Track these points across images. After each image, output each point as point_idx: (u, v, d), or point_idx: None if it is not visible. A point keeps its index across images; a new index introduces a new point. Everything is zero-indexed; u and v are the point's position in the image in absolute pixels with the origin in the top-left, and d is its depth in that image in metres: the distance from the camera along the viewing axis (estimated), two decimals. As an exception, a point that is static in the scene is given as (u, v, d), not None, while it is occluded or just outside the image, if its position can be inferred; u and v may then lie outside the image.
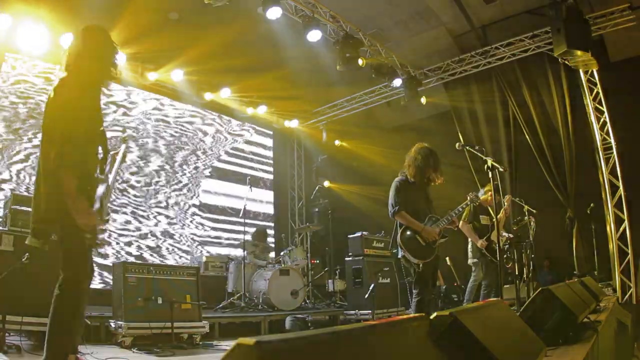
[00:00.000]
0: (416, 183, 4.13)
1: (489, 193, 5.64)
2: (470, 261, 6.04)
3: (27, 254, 3.66)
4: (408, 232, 4.02)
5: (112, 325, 4.54)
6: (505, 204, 5.98)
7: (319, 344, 0.88)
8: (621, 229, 6.78)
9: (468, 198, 4.45)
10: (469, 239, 5.92)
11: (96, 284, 7.10)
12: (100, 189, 2.72)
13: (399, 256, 4.07)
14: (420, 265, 3.96)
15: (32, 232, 2.66)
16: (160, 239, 8.19)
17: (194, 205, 8.92)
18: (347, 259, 7.49)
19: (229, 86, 9.07)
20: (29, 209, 4.10)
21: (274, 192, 10.71)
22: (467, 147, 4.33)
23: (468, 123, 8.95)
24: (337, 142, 10.93)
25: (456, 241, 5.24)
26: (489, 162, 3.97)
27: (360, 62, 7.61)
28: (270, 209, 10.50)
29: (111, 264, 5.70)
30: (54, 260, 4.01)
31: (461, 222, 5.68)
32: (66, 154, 2.47)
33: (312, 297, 7.86)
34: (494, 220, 4.15)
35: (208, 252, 8.75)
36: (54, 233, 2.67)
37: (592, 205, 7.06)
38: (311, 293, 7.90)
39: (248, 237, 7.71)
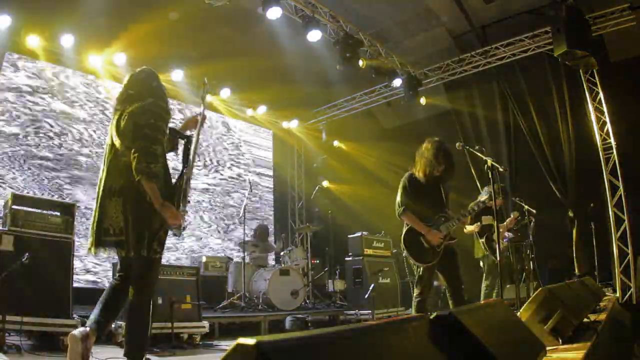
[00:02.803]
0: (426, 180, 3.89)
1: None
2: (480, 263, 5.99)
3: (27, 254, 3.66)
4: (412, 233, 3.89)
5: (112, 325, 4.54)
6: (512, 216, 5.97)
7: (319, 344, 0.88)
8: (621, 229, 6.77)
9: (486, 193, 4.33)
10: (474, 239, 5.90)
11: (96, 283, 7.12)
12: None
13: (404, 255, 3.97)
14: (421, 269, 3.87)
15: None
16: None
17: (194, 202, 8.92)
18: (347, 259, 7.49)
19: (229, 86, 9.07)
20: (29, 209, 4.15)
21: (274, 191, 10.71)
22: (467, 147, 4.28)
23: (468, 123, 8.94)
24: (335, 143, 10.92)
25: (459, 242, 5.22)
26: (489, 162, 3.94)
27: (360, 63, 7.61)
28: (270, 209, 10.50)
29: (111, 264, 5.70)
30: (53, 261, 4.04)
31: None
32: None
33: (312, 297, 7.86)
34: (496, 221, 4.10)
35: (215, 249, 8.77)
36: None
37: (592, 205, 7.06)
38: (311, 293, 7.89)
39: (248, 237, 7.71)
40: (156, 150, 2.81)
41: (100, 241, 2.85)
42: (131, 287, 2.83)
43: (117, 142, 2.90)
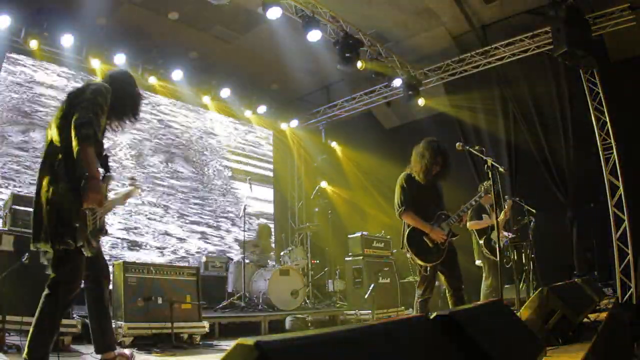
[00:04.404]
0: (423, 179, 3.93)
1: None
2: (477, 262, 5.99)
3: (27, 254, 3.66)
4: (415, 233, 3.90)
5: (112, 325, 4.54)
6: (506, 207, 5.96)
7: (319, 344, 0.88)
8: (621, 229, 6.77)
9: (482, 188, 4.34)
10: (473, 240, 5.90)
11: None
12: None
13: (408, 255, 3.97)
14: (428, 268, 3.87)
15: None
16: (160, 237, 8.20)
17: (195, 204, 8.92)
18: (347, 259, 7.49)
19: (229, 86, 9.07)
20: (29, 209, 4.15)
21: (274, 191, 10.71)
22: (468, 148, 4.27)
23: (468, 123, 8.95)
24: (333, 144, 10.91)
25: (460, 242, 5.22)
26: (489, 162, 3.94)
27: (359, 64, 7.60)
28: (270, 209, 10.51)
29: (111, 264, 5.68)
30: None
31: (468, 222, 5.64)
32: None
33: (312, 297, 7.86)
34: (494, 220, 4.11)
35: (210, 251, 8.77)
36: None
37: (592, 205, 7.06)
38: (311, 293, 7.90)
39: (250, 236, 7.71)
40: (98, 124, 2.58)
41: (38, 236, 2.62)
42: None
43: (54, 132, 2.66)
